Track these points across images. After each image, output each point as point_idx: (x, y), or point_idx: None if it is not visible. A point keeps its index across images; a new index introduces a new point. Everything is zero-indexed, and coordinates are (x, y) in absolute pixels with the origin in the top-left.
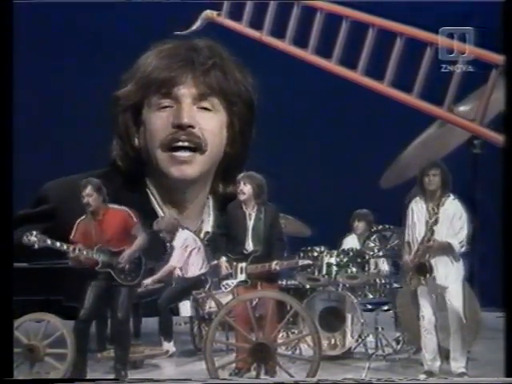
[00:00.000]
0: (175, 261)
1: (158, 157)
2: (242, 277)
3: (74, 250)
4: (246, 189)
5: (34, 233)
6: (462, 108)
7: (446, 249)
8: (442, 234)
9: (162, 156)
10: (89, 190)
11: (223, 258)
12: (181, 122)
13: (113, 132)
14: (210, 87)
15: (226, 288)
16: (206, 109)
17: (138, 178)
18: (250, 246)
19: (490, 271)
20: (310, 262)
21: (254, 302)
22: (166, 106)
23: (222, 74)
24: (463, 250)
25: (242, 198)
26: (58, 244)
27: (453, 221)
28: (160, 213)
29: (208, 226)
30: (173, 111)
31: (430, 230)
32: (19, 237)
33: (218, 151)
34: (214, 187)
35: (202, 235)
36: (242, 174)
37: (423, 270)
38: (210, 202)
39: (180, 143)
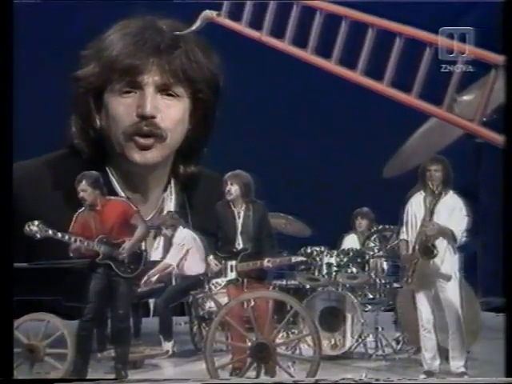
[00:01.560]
0: (171, 258)
1: (121, 142)
2: (232, 275)
3: (76, 240)
4: (233, 189)
5: (36, 223)
6: (465, 97)
7: (447, 235)
8: (442, 220)
9: (124, 142)
10: (83, 185)
11: (211, 256)
12: (144, 112)
13: (72, 110)
14: (174, 76)
15: (215, 287)
16: (169, 96)
17: (98, 159)
18: (239, 244)
19: (491, 263)
20: (304, 258)
21: (252, 302)
22: (129, 92)
23: (188, 61)
24: (463, 240)
25: (229, 197)
26: (59, 234)
27: (453, 213)
28: (121, 194)
29: (170, 205)
30: (136, 99)
31: (430, 214)
32: None
33: (180, 138)
34: (174, 169)
35: (164, 214)
36: (228, 174)
37: (428, 251)
38: (172, 182)
39: (142, 133)
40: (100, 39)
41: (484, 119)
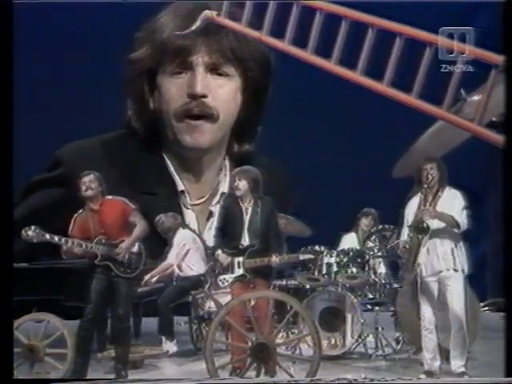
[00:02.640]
0: (171, 258)
1: (173, 124)
2: (239, 271)
3: (73, 243)
4: (241, 184)
5: (33, 227)
6: (475, 98)
7: (447, 220)
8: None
9: (176, 124)
10: (92, 177)
11: (219, 251)
12: (194, 91)
13: (127, 94)
14: (223, 55)
15: (223, 283)
16: (220, 75)
17: (154, 141)
18: (246, 240)
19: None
20: (312, 256)
21: (253, 302)
22: (181, 72)
23: (236, 40)
24: (462, 228)
25: (238, 193)
26: (56, 238)
27: (452, 205)
28: (177, 178)
29: (225, 186)
30: (187, 79)
31: (427, 204)
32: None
33: (232, 118)
34: (229, 149)
35: (217, 197)
36: (236, 170)
37: (421, 229)
38: (227, 163)
39: (193, 113)
40: (152, 21)
41: (494, 119)
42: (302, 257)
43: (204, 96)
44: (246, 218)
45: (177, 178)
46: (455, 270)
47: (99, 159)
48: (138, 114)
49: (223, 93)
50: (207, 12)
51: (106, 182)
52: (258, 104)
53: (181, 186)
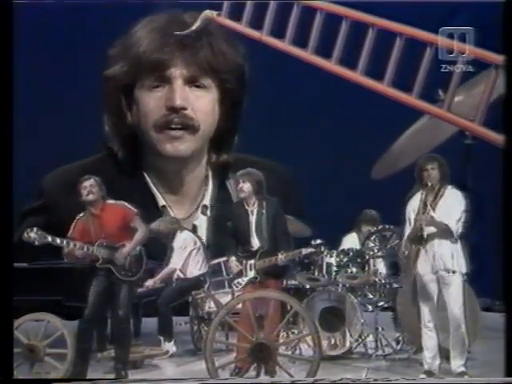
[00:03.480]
0: (175, 262)
1: (152, 136)
2: (251, 274)
3: (75, 245)
4: (245, 186)
5: (35, 229)
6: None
7: (442, 228)
8: (443, 215)
9: (156, 136)
10: (92, 182)
11: (233, 258)
12: (174, 104)
13: (104, 109)
14: (200, 68)
15: (237, 287)
16: (198, 87)
17: (133, 159)
18: (255, 242)
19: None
20: (314, 249)
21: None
22: (158, 86)
23: (212, 53)
24: (456, 236)
25: (242, 195)
26: (58, 241)
27: (452, 207)
28: (157, 195)
29: (207, 198)
30: (165, 92)
31: (427, 208)
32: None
33: (211, 128)
34: (209, 159)
35: (199, 210)
36: (239, 172)
37: (418, 239)
38: (209, 174)
39: (173, 125)
40: (126, 36)
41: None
42: (304, 251)
43: (184, 108)
44: (252, 220)
45: (157, 193)
46: (453, 272)
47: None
48: (116, 129)
49: (202, 104)
50: (207, 12)
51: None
52: (235, 114)
53: (161, 201)
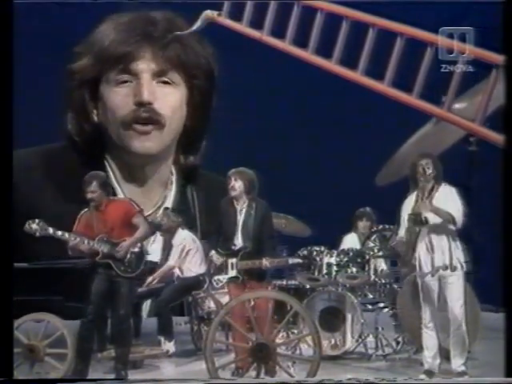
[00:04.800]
0: (173, 260)
1: (120, 132)
2: (232, 272)
3: (75, 238)
4: (237, 185)
5: (37, 221)
6: (457, 105)
7: (443, 216)
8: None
9: (123, 131)
10: (94, 186)
11: (213, 252)
12: (141, 99)
13: (68, 106)
14: (169, 62)
15: (217, 284)
16: (165, 83)
17: (96, 153)
18: (239, 241)
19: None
20: (300, 260)
21: (253, 302)
22: (125, 81)
23: (182, 47)
24: (458, 225)
25: (233, 193)
26: (59, 233)
27: (447, 202)
28: (119, 190)
29: (170, 201)
30: (132, 87)
31: (424, 198)
32: None
33: (178, 126)
34: (175, 160)
35: (160, 211)
36: (232, 170)
37: (419, 220)
38: (174, 177)
39: (141, 120)
40: (92, 33)
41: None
42: (291, 261)
43: (150, 103)
44: (240, 219)
45: (117, 187)
46: (454, 268)
47: (37, 169)
48: (79, 126)
49: (169, 100)
50: (208, 12)
51: (42, 192)
52: (204, 114)
53: (120, 195)
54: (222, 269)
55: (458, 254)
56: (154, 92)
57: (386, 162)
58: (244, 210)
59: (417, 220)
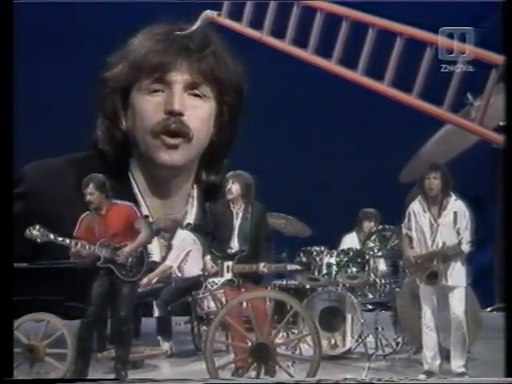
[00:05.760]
0: (171, 260)
1: (147, 142)
2: (228, 276)
3: (76, 244)
4: (234, 188)
5: (37, 227)
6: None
7: (457, 252)
8: (448, 237)
9: (152, 141)
10: (91, 188)
11: (208, 257)
12: (172, 108)
13: (98, 113)
14: (203, 75)
15: (211, 286)
16: (196, 96)
17: (122, 163)
18: (235, 245)
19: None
20: (299, 267)
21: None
22: (157, 90)
23: (216, 62)
24: (471, 249)
25: (229, 196)
26: (60, 239)
27: (457, 221)
28: (141, 202)
29: (191, 217)
30: (164, 97)
31: (436, 234)
32: None
33: (204, 140)
34: (197, 176)
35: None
36: (230, 173)
37: (433, 277)
38: (195, 193)
39: (170, 131)
40: (127, 43)
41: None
42: (289, 267)
43: (181, 114)
44: (236, 223)
45: (141, 200)
46: (459, 274)
47: (64, 179)
48: (109, 132)
49: (198, 114)
50: (208, 12)
51: (68, 201)
52: (230, 131)
53: (145, 210)
54: (217, 271)
55: (464, 270)
56: (185, 103)
57: (411, 159)
58: (241, 214)
59: (429, 275)
